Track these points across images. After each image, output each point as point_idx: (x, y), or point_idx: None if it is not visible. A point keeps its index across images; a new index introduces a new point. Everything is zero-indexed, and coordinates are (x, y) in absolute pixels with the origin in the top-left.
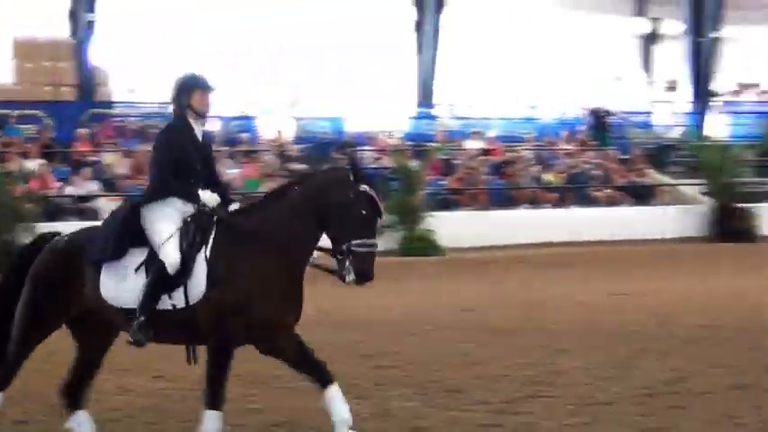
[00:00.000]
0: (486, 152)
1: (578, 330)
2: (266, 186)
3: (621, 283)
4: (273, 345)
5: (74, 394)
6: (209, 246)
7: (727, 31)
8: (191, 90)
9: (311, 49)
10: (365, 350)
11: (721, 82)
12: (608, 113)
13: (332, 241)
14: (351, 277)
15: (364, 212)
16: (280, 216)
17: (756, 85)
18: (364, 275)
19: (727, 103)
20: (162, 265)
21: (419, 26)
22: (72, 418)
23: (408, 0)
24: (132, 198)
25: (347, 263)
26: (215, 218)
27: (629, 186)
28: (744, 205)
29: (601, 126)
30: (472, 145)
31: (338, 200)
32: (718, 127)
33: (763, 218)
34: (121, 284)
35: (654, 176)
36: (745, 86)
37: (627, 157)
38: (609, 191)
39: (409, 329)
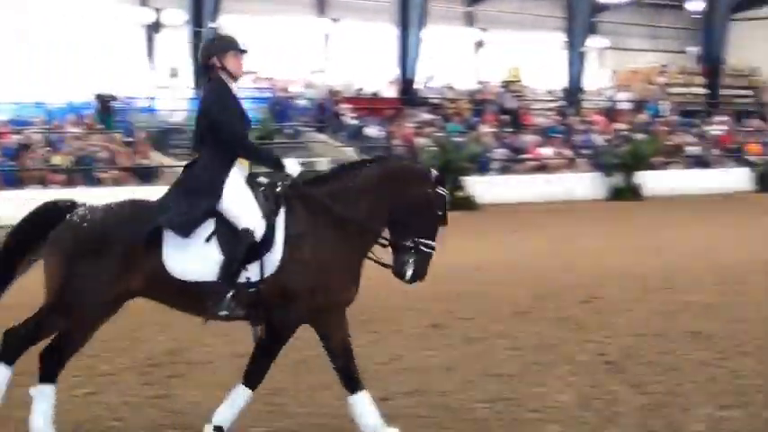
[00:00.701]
0: None
1: None
2: None
3: None
4: (327, 329)
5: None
6: (283, 216)
7: (224, 21)
8: (224, 51)
9: None
10: None
11: None
12: (113, 98)
13: (397, 233)
14: (409, 274)
15: (439, 213)
16: (356, 194)
17: (254, 73)
18: (421, 275)
19: None
20: (247, 230)
21: None
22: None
23: None
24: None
25: (410, 259)
26: (287, 186)
27: (135, 168)
28: None
29: (106, 110)
30: None
31: (418, 194)
32: None
33: None
34: (190, 256)
35: (157, 158)
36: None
37: (131, 139)
38: (115, 172)
39: None
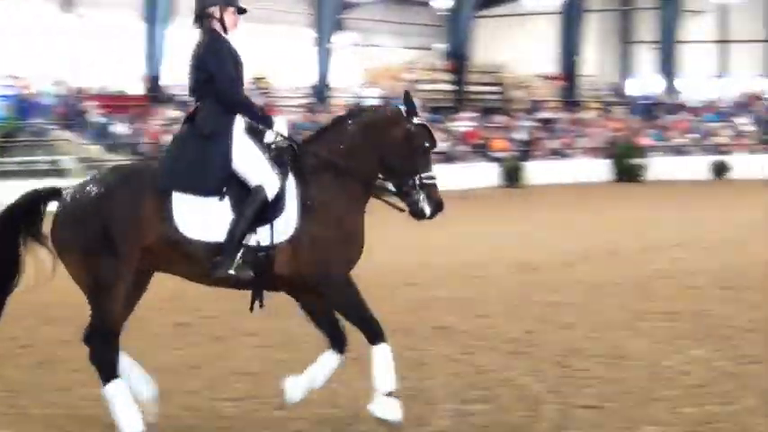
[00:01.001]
0: None
1: None
2: None
3: None
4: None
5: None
6: (293, 176)
7: None
8: (226, 4)
9: None
10: None
11: None
12: None
13: (397, 178)
14: (429, 210)
15: (427, 145)
16: (350, 149)
17: None
18: (439, 207)
19: None
20: (260, 188)
21: None
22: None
23: None
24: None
25: (421, 197)
26: (290, 146)
27: None
28: None
29: None
30: None
31: (401, 135)
32: None
33: None
34: (204, 217)
35: None
36: None
37: None
38: None
39: None
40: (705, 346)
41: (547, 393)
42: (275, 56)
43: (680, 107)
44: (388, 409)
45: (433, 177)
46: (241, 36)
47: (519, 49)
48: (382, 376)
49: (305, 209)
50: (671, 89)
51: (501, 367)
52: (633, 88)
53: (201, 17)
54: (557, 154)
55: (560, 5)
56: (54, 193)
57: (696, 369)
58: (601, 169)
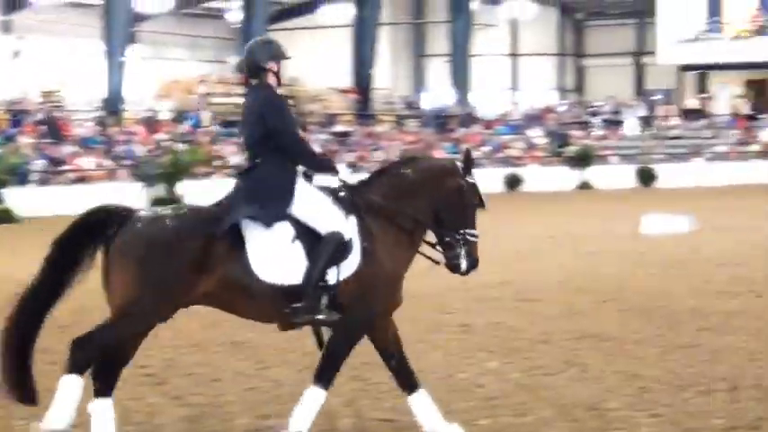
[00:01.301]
0: None
1: None
2: None
3: None
4: (382, 325)
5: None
6: (354, 220)
7: None
8: (281, 57)
9: None
10: None
11: None
12: None
13: (442, 228)
14: (464, 266)
15: (475, 202)
16: (406, 195)
17: None
18: (475, 264)
19: None
20: (335, 232)
21: None
22: (95, 403)
23: None
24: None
25: (460, 251)
26: (347, 192)
27: None
28: None
29: None
30: None
31: (455, 188)
32: None
33: None
34: (278, 261)
35: None
36: None
37: None
38: None
39: None
40: (499, 359)
41: (343, 407)
42: (66, 69)
43: (473, 120)
44: None
45: (476, 236)
46: (32, 49)
47: (312, 62)
48: (302, 417)
49: (364, 249)
50: (463, 102)
51: (296, 382)
52: (426, 101)
53: (258, 71)
54: (352, 167)
55: (352, 19)
56: (129, 213)
57: (490, 381)
58: None
